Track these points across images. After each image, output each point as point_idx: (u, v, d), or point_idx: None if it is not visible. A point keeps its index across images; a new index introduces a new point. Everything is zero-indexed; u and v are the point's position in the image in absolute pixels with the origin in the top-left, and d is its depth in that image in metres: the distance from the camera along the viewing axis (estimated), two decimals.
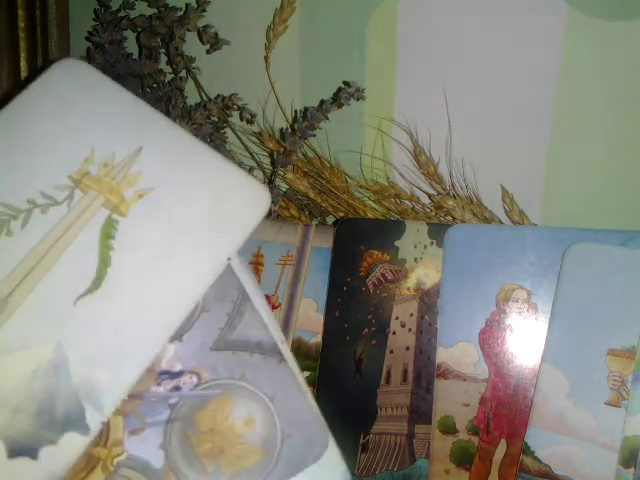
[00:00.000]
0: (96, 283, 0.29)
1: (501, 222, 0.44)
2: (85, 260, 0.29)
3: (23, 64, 0.47)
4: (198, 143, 0.32)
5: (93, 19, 0.46)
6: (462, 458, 0.38)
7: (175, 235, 0.30)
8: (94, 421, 0.28)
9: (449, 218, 0.45)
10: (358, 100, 0.45)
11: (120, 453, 0.28)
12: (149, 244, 0.30)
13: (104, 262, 0.29)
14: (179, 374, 0.29)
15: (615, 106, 0.43)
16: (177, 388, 0.29)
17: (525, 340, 0.37)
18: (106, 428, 0.28)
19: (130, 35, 0.47)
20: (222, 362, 0.30)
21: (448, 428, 0.38)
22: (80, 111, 0.31)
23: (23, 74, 0.47)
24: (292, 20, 0.45)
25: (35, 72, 0.47)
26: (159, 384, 0.29)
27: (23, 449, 0.27)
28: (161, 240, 0.30)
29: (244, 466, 0.29)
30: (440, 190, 0.45)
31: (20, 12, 0.46)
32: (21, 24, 0.46)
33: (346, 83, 0.45)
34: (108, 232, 0.29)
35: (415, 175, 0.46)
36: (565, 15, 0.41)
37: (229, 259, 0.30)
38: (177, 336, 0.30)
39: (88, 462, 0.28)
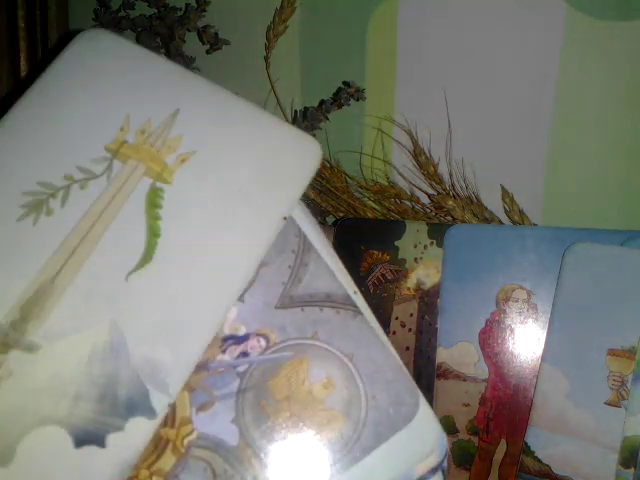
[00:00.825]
0: (147, 256, 0.27)
1: (501, 222, 0.44)
2: (132, 233, 0.27)
3: (23, 64, 0.47)
4: (238, 99, 0.30)
5: (93, 19, 0.46)
6: (462, 458, 0.38)
7: (225, 198, 0.28)
8: (160, 403, 0.25)
9: (449, 218, 0.45)
10: (358, 100, 0.45)
11: (190, 432, 0.26)
12: (199, 210, 0.28)
13: (153, 233, 0.27)
14: (245, 338, 0.27)
15: (615, 106, 0.43)
16: (245, 354, 0.27)
17: (525, 340, 0.37)
18: (172, 406, 0.26)
19: (130, 35, 0.47)
20: (290, 320, 0.27)
21: (448, 428, 0.38)
22: (109, 80, 0.29)
23: (23, 74, 0.47)
24: (292, 20, 0.46)
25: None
26: (224, 351, 0.27)
27: (89, 437, 0.25)
28: (211, 205, 0.28)
29: (327, 435, 0.26)
30: (440, 190, 0.45)
31: (20, 12, 0.46)
32: (21, 24, 0.46)
33: (346, 83, 0.45)
34: (154, 201, 0.28)
35: (415, 175, 0.46)
36: (565, 15, 0.41)
37: (285, 218, 0.28)
38: (239, 296, 0.27)
39: (157, 445, 0.26)
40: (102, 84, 0.29)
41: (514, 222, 0.44)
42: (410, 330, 0.40)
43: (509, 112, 0.44)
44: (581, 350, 0.36)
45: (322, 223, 0.49)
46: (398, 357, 0.28)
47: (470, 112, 0.45)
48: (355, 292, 0.28)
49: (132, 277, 0.27)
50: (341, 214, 0.47)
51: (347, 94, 0.44)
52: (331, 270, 0.28)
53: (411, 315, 0.40)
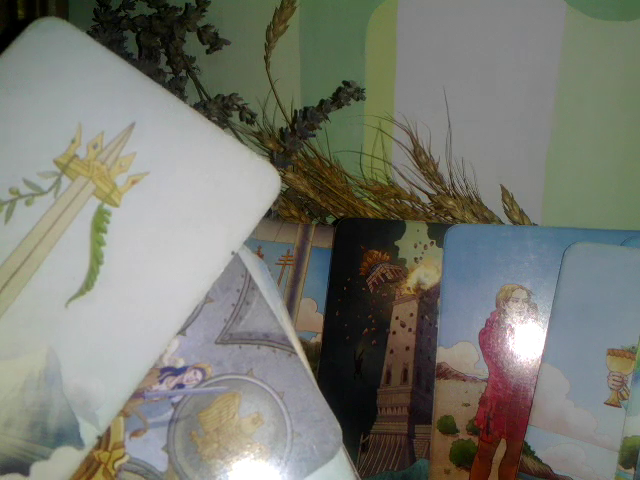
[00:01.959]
0: (88, 283, 0.26)
1: (501, 222, 0.44)
2: (75, 257, 0.26)
3: None
4: (199, 118, 0.28)
5: (93, 19, 0.46)
6: (462, 458, 0.38)
7: (174, 226, 0.27)
8: (89, 435, 0.26)
9: (449, 218, 0.45)
10: (358, 100, 0.45)
11: (121, 456, 0.27)
12: (144, 238, 0.27)
13: (96, 259, 0.26)
14: (182, 370, 0.28)
15: (615, 106, 0.43)
16: (180, 385, 0.28)
17: (525, 340, 0.37)
18: (107, 430, 0.27)
19: (130, 35, 0.47)
20: (228, 356, 0.28)
21: (448, 428, 0.38)
22: (63, 80, 0.27)
23: None
24: (292, 20, 0.45)
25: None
26: (161, 381, 0.28)
27: (14, 465, 0.25)
28: (158, 233, 0.27)
29: (252, 467, 0.27)
30: (440, 190, 0.45)
31: (20, 12, 0.46)
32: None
33: (346, 83, 0.45)
34: (100, 225, 0.27)
35: (415, 175, 0.46)
36: (565, 15, 0.41)
37: (233, 253, 0.28)
38: (180, 330, 0.28)
39: (89, 466, 0.27)
40: (54, 83, 0.27)
41: (514, 222, 0.44)
42: (410, 330, 0.40)
43: (509, 112, 0.44)
44: (581, 350, 0.36)
45: (322, 223, 0.49)
46: (323, 397, 0.29)
47: (470, 112, 0.45)
48: (293, 333, 0.29)
49: (72, 304, 0.26)
50: (341, 214, 0.47)
51: (347, 94, 0.44)
52: (271, 310, 0.29)
53: (411, 315, 0.40)
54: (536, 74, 0.43)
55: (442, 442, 0.38)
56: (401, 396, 0.39)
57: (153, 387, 0.28)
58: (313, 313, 0.42)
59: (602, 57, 0.42)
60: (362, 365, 0.40)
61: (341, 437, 0.28)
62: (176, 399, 0.28)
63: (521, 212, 0.44)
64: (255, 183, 0.28)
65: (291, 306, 0.42)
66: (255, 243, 0.42)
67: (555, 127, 0.44)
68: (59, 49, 0.27)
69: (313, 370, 0.41)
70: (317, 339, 0.41)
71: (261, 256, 0.43)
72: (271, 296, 0.29)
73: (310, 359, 0.41)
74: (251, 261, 0.29)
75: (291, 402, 0.28)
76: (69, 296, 0.26)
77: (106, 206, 0.27)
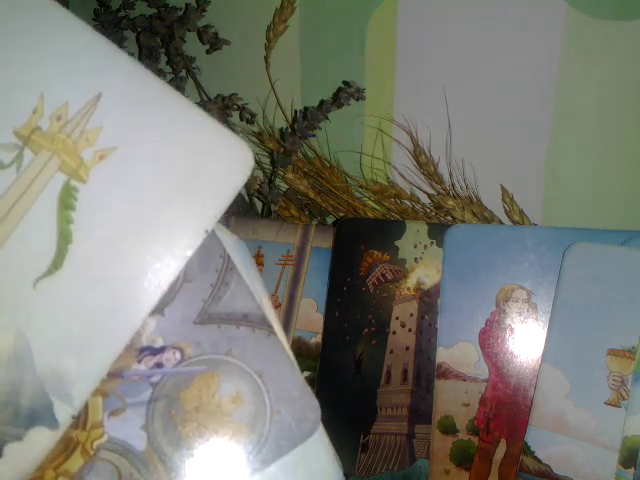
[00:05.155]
0: (57, 263, 0.25)
1: (501, 222, 0.44)
2: (42, 236, 0.25)
3: None
4: (170, 91, 0.26)
5: (93, 19, 0.46)
6: (462, 458, 0.38)
7: (145, 203, 0.26)
8: (63, 415, 0.25)
9: (449, 218, 0.45)
10: (358, 100, 0.45)
11: (100, 436, 0.27)
12: (114, 215, 0.26)
13: (64, 238, 0.25)
14: (161, 350, 0.27)
15: (615, 106, 0.43)
16: (159, 365, 0.27)
17: (525, 340, 0.37)
18: (85, 409, 0.26)
19: (130, 35, 0.47)
20: (207, 336, 0.28)
21: (448, 428, 0.38)
22: (21, 44, 0.25)
23: None
24: (292, 20, 0.46)
25: None
26: (140, 361, 0.27)
27: None
28: (128, 210, 0.26)
29: (231, 445, 0.27)
30: (440, 190, 0.45)
31: None
32: None
33: (346, 83, 0.45)
34: (67, 202, 0.25)
35: (415, 175, 0.46)
36: (565, 15, 0.41)
37: (207, 231, 0.27)
38: (158, 309, 0.27)
39: (66, 446, 0.26)
40: (13, 49, 0.25)
41: (514, 222, 0.44)
42: (410, 330, 0.40)
43: (509, 112, 0.44)
44: (581, 350, 0.36)
45: (322, 223, 0.49)
46: (302, 377, 0.28)
47: (470, 112, 0.45)
48: (272, 313, 0.29)
49: (40, 284, 0.25)
50: (341, 214, 0.47)
51: (347, 94, 0.44)
52: (250, 291, 0.28)
53: (411, 315, 0.40)
54: (536, 74, 0.43)
55: (442, 442, 0.38)
56: (401, 396, 0.39)
57: (132, 367, 0.27)
58: (313, 313, 0.42)
59: (602, 57, 0.42)
60: (362, 365, 0.40)
61: (320, 415, 0.28)
62: (155, 379, 0.27)
63: (521, 212, 0.44)
64: (228, 159, 0.27)
65: (291, 306, 0.42)
66: (255, 243, 0.42)
67: (555, 127, 0.44)
68: (19, 12, 0.25)
69: (313, 370, 0.41)
70: (317, 339, 0.41)
71: (261, 256, 0.43)
72: (250, 277, 0.28)
73: (310, 359, 0.41)
74: (230, 242, 0.28)
75: (270, 381, 0.28)
76: (37, 276, 0.25)
77: (73, 182, 0.25)
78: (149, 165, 0.26)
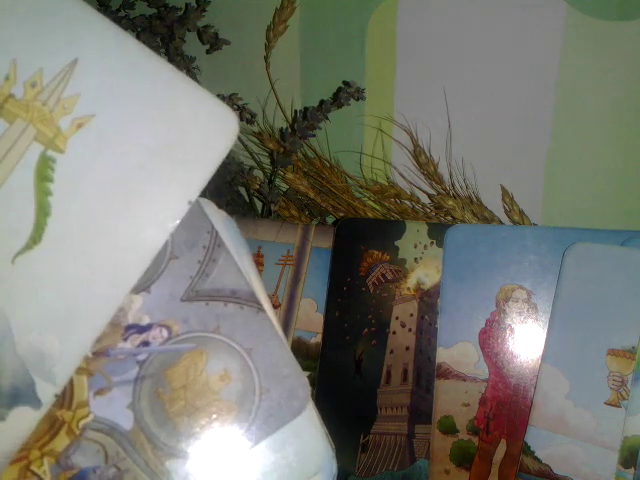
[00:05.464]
0: (35, 237, 0.24)
1: (501, 222, 0.44)
2: (20, 209, 0.24)
3: None
4: (150, 55, 0.25)
5: None
6: (462, 458, 0.38)
7: (125, 174, 0.25)
8: (46, 394, 0.25)
9: (449, 218, 0.45)
10: (358, 100, 0.45)
11: (86, 415, 0.26)
12: (94, 186, 0.25)
13: (43, 211, 0.24)
14: (147, 328, 0.27)
15: (615, 106, 0.43)
16: (146, 343, 0.27)
17: (525, 340, 0.37)
18: (70, 389, 0.26)
19: (130, 35, 0.47)
20: (194, 313, 0.27)
21: (448, 428, 0.38)
22: None
23: None
24: (292, 20, 0.46)
25: None
26: (126, 339, 0.27)
27: None
28: (109, 180, 0.25)
29: (219, 424, 0.27)
30: (440, 190, 0.45)
31: None
32: None
33: (346, 83, 0.45)
34: (44, 173, 0.24)
35: (415, 175, 0.46)
36: (565, 15, 0.41)
37: (190, 202, 0.26)
38: (144, 286, 0.26)
39: (52, 425, 0.26)
40: None
41: (514, 222, 0.44)
42: (410, 330, 0.40)
43: (509, 112, 0.44)
44: (581, 350, 0.36)
45: (322, 223, 0.49)
46: (292, 354, 0.28)
47: (470, 112, 0.45)
48: (260, 289, 0.28)
49: (19, 259, 0.24)
50: (341, 214, 0.47)
51: (347, 94, 0.44)
52: (239, 267, 0.27)
53: (411, 315, 0.40)
54: (536, 74, 0.43)
55: (442, 442, 0.38)
56: (401, 396, 0.39)
57: (117, 345, 0.27)
58: (313, 313, 0.42)
59: (602, 57, 0.42)
60: (362, 365, 0.40)
61: (309, 392, 0.27)
62: (141, 357, 0.27)
63: (521, 212, 0.44)
64: (212, 126, 0.25)
65: (291, 306, 0.42)
66: (255, 243, 0.42)
67: (555, 127, 0.44)
68: None
69: (313, 370, 0.41)
70: (317, 339, 0.41)
71: (261, 256, 0.43)
72: (239, 253, 0.28)
73: (310, 359, 0.41)
74: (218, 217, 0.28)
75: (259, 359, 0.27)
76: (15, 251, 0.24)
77: (50, 152, 0.24)
78: (129, 133, 0.25)
